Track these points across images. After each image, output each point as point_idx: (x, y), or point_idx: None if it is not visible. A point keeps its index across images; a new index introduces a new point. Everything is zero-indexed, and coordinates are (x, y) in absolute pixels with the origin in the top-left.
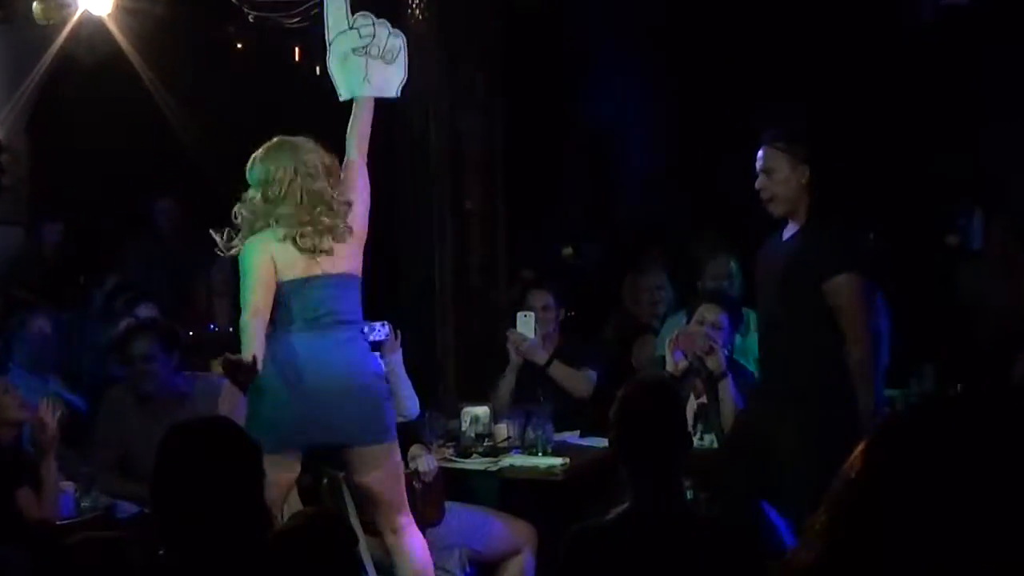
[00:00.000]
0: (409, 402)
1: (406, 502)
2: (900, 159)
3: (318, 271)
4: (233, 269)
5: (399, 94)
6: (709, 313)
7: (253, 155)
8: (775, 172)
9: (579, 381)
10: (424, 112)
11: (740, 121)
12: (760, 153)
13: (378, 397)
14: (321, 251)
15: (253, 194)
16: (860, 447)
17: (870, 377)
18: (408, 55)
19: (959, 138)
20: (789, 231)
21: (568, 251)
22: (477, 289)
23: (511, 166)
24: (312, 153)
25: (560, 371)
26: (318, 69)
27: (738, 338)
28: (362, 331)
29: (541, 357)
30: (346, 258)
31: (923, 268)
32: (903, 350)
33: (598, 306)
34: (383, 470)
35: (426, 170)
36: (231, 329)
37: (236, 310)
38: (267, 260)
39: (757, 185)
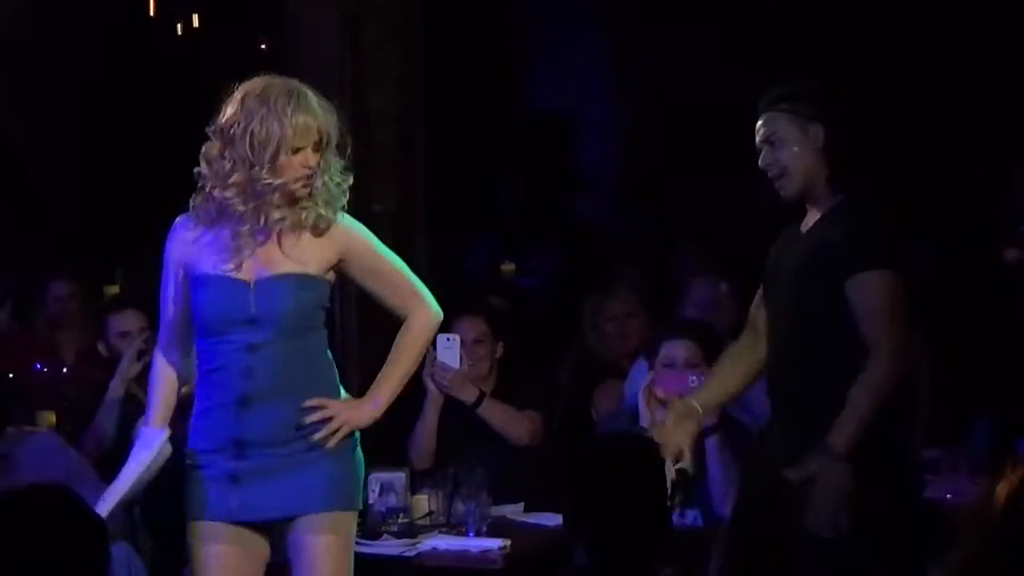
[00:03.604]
0: None
1: None
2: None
3: None
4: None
5: None
6: (679, 350)
7: None
8: (781, 140)
9: (520, 422)
10: (321, 88)
11: (741, 101)
12: (759, 122)
13: None
14: None
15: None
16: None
17: (880, 400)
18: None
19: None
20: (809, 221)
21: (509, 267)
22: (390, 320)
23: (434, 158)
24: None
25: (494, 410)
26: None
27: None
28: None
29: (469, 392)
30: None
31: (973, 290)
32: (949, 397)
33: (549, 340)
34: None
35: None
36: (65, 369)
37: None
38: None
39: (761, 162)
